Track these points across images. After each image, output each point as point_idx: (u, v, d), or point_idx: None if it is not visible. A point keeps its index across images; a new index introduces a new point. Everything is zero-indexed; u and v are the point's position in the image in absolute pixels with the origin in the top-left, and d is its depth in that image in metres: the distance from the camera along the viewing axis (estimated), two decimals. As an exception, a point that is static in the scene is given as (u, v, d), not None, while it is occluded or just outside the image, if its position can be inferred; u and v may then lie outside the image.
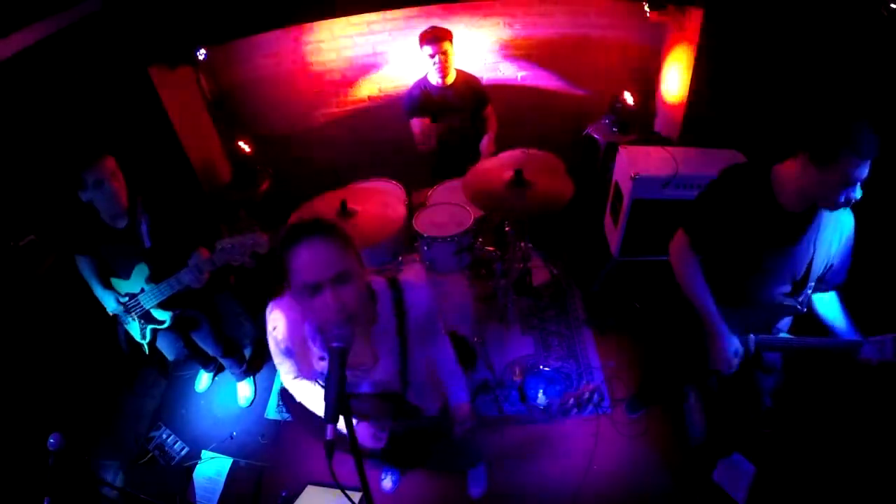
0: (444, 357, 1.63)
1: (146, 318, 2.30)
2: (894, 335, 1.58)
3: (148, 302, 2.23)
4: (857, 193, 1.49)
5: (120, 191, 2.06)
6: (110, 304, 2.27)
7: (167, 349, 2.58)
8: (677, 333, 2.06)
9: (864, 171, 1.42)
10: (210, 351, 2.67)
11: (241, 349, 2.96)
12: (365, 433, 1.63)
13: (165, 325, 2.32)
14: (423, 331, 1.44)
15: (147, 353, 2.44)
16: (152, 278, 2.19)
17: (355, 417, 1.69)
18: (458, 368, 1.65)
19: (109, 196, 2.03)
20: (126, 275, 2.22)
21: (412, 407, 1.62)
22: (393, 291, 1.37)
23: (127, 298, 2.26)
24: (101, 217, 2.11)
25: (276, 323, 1.41)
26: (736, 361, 1.74)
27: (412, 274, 1.43)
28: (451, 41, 2.93)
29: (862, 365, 1.63)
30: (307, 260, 1.13)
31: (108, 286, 2.26)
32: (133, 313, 2.28)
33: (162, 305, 2.25)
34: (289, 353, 1.45)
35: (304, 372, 1.51)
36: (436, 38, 2.87)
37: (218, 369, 3.04)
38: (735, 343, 1.74)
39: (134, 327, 2.34)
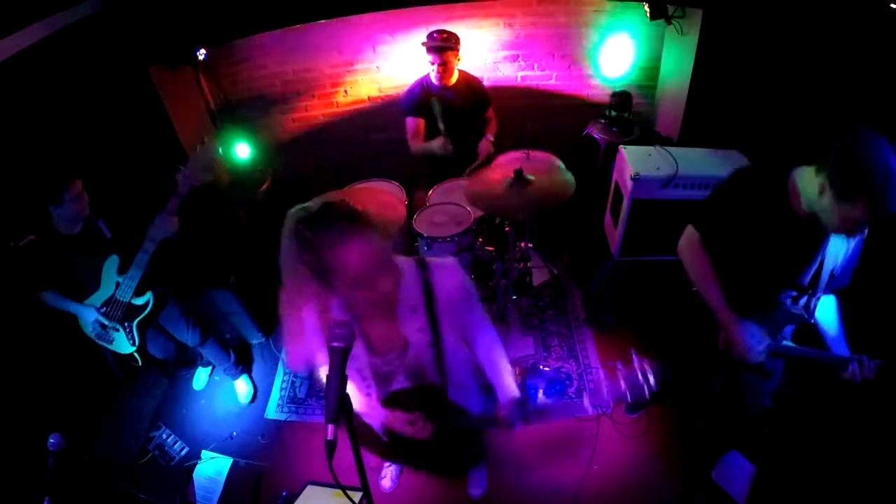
0: (486, 340, 1.53)
1: (129, 315, 2.29)
2: (865, 355, 1.62)
3: (126, 293, 2.23)
4: (864, 230, 1.50)
5: (87, 201, 2.13)
6: (90, 317, 2.26)
7: (155, 349, 2.59)
8: (683, 332, 2.06)
9: (876, 218, 1.40)
10: (184, 339, 2.61)
11: (222, 336, 2.94)
12: (400, 422, 1.48)
13: (149, 309, 2.32)
14: (455, 310, 1.40)
15: (140, 363, 2.43)
16: (123, 267, 2.21)
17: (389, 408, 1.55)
18: (503, 355, 1.55)
19: (83, 206, 2.10)
20: (96, 284, 2.23)
21: (454, 405, 1.56)
22: (420, 270, 1.37)
23: (105, 308, 2.26)
24: (57, 229, 2.12)
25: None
26: (761, 348, 1.70)
27: (439, 258, 1.44)
28: (455, 50, 2.91)
29: (846, 382, 1.64)
30: (357, 255, 1.16)
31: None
32: (115, 321, 2.27)
33: (137, 292, 2.27)
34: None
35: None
36: (438, 49, 2.85)
37: (214, 366, 3.04)
38: (752, 330, 1.70)
39: (119, 339, 2.33)
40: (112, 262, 2.22)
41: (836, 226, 1.49)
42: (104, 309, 2.26)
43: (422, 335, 1.39)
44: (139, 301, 2.30)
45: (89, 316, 2.26)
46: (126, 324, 2.31)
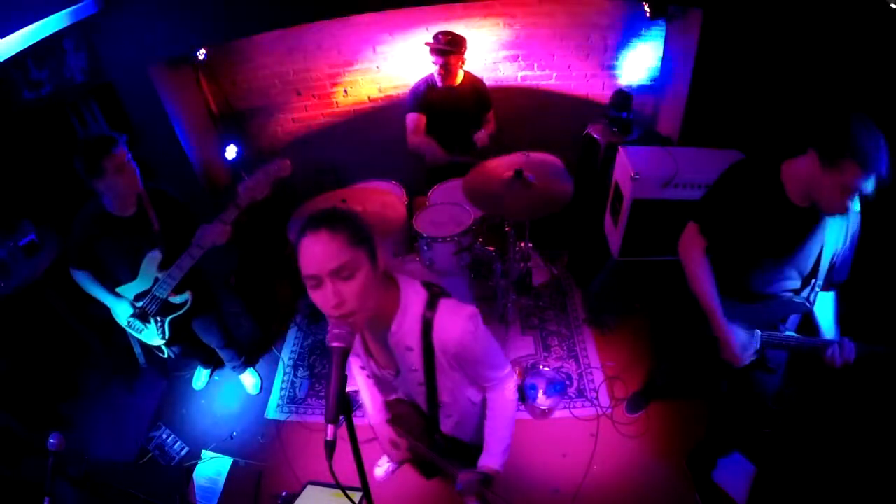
0: (493, 397, 1.46)
1: (164, 311, 2.27)
2: (847, 337, 1.63)
3: (164, 290, 2.20)
4: (854, 204, 1.49)
5: (136, 172, 2.04)
6: (125, 313, 2.24)
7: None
8: (685, 331, 2.06)
9: (867, 185, 1.41)
10: (212, 342, 2.63)
11: (239, 340, 2.95)
12: (385, 437, 1.60)
13: (186, 308, 2.31)
14: (454, 362, 1.29)
15: (167, 354, 2.42)
16: (165, 264, 2.17)
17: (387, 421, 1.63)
18: (508, 421, 1.47)
19: (130, 178, 2.01)
20: (133, 272, 2.19)
21: (445, 436, 1.55)
22: (427, 307, 1.23)
23: (140, 302, 2.23)
24: (107, 209, 2.08)
25: None
26: (746, 355, 1.74)
27: (457, 302, 1.26)
28: (459, 54, 2.92)
29: (828, 366, 1.66)
30: (308, 251, 1.07)
31: (116, 294, 2.24)
32: (150, 315, 2.25)
33: (176, 290, 2.24)
34: None
35: None
36: (441, 52, 2.87)
37: (215, 366, 3.05)
38: (741, 336, 1.74)
39: (149, 331, 2.31)
40: (154, 257, 2.17)
41: (828, 200, 1.50)
42: (139, 303, 2.24)
43: (413, 374, 1.33)
44: (177, 300, 2.28)
45: (123, 311, 2.25)
46: (159, 318, 2.29)
